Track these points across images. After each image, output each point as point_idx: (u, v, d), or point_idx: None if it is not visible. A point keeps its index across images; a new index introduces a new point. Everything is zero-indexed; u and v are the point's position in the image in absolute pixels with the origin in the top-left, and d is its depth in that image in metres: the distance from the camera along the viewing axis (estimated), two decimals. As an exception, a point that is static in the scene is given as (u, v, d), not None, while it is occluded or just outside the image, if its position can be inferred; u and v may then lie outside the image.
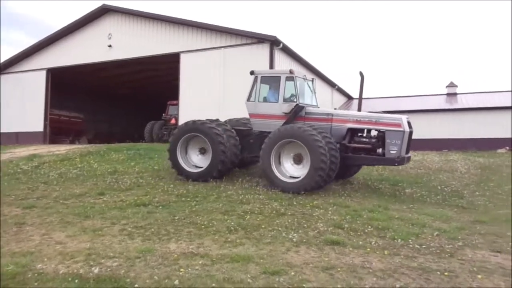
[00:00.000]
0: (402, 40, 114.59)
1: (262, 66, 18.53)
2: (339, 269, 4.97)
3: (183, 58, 20.88)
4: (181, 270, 4.85)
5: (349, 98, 34.02)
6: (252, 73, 11.08)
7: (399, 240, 6.23)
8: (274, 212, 7.63)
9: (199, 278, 4.63)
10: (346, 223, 7.08)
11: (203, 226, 6.72)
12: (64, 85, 27.02)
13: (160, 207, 8.07)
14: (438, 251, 5.81)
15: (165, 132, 23.24)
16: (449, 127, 25.30)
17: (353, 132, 10.02)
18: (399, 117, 9.65)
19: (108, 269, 4.87)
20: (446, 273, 4.89)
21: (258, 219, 7.14)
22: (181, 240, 6.07)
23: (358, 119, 9.95)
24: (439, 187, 11.16)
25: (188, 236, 6.28)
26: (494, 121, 24.53)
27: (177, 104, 21.95)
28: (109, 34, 23.14)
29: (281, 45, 18.65)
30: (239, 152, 10.89)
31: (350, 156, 9.88)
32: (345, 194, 9.61)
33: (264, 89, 10.98)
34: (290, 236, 6.26)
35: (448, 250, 5.85)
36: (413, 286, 4.46)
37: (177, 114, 21.62)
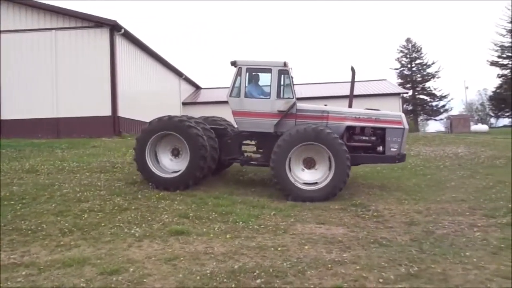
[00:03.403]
0: (239, 34, 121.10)
1: (101, 53, 17.28)
2: (182, 258, 4.98)
3: (3, 39, 17.88)
4: (-2, 285, 4.17)
5: (197, 87, 34.41)
6: (234, 63, 9.45)
7: (241, 223, 6.59)
8: (116, 208, 7.19)
9: (22, 291, 4.05)
10: (191, 212, 7.14)
11: (29, 232, 5.91)
12: None
13: (-27, 215, 6.79)
14: (274, 229, 6.34)
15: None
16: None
17: (350, 130, 9.47)
18: (398, 114, 9.70)
19: None
20: (279, 248, 5.37)
21: (97, 217, 6.64)
22: (-1, 251, 5.22)
23: (357, 116, 9.44)
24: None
25: (9, 245, 5.45)
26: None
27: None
28: None
29: (123, 30, 17.61)
30: (217, 155, 9.54)
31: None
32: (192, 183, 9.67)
33: (251, 83, 9.67)
34: (133, 231, 6.01)
35: (282, 227, 6.44)
36: (250, 265, 4.76)
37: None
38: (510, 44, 58.63)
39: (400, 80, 62.82)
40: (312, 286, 4.24)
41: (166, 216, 6.83)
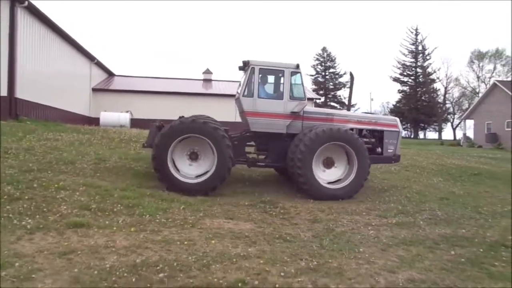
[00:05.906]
0: (160, 24, 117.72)
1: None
2: (79, 252, 4.66)
3: None
4: None
5: (110, 74, 32.49)
6: (246, 64, 9.27)
7: (147, 216, 6.38)
8: (5, 197, 6.45)
9: None
10: (94, 203, 6.72)
11: None
12: None
13: None
14: (182, 223, 6.24)
15: None
16: (205, 110, 27.81)
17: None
18: (394, 118, 10.37)
19: None
20: (185, 242, 5.30)
21: (-19, 207, 5.91)
22: None
23: (359, 119, 10.08)
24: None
25: None
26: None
27: None
28: None
29: (26, 3, 15.87)
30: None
31: None
32: (97, 174, 9.09)
33: (264, 84, 9.62)
34: (24, 223, 5.47)
35: (190, 221, 6.36)
36: (153, 259, 4.61)
37: None
38: (410, 64, 65.26)
39: (314, 86, 66.22)
40: (215, 280, 4.23)
41: (64, 207, 6.33)
